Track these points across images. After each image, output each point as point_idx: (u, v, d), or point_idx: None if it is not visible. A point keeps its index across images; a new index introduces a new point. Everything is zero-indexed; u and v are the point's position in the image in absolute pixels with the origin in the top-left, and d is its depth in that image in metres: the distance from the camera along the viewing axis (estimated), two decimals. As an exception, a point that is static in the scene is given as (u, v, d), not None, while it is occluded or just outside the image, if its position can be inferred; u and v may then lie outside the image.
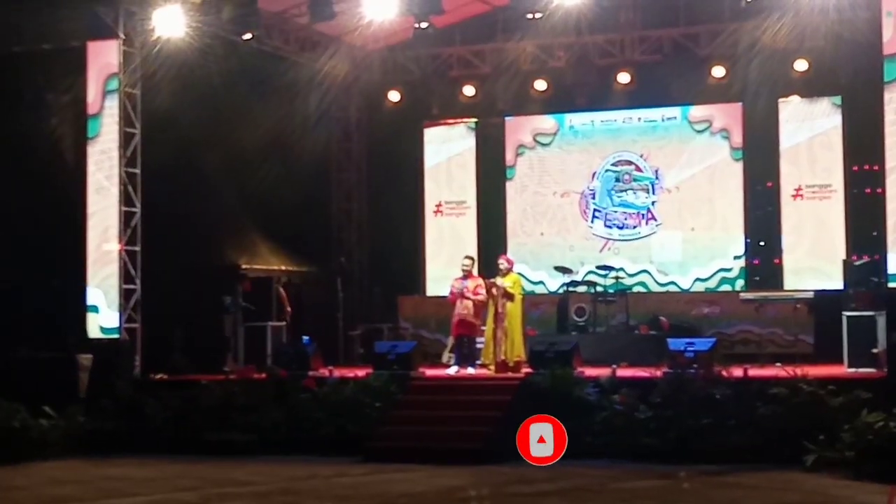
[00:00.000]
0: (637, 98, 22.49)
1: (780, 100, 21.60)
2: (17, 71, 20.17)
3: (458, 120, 23.82)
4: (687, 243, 22.24)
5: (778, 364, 17.30)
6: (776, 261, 21.70)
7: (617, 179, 22.75)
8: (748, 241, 21.92)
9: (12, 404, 16.70)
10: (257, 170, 22.04)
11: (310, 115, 22.81)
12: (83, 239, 18.99)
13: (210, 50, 19.53)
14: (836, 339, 17.24)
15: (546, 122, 23.28)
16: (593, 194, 22.87)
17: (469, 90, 23.40)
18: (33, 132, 20.35)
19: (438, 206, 23.82)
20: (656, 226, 22.46)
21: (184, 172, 20.68)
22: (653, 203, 22.50)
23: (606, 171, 22.80)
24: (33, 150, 20.21)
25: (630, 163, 22.68)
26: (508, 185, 23.46)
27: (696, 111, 22.35)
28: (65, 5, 18.76)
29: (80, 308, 18.86)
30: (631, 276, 22.15)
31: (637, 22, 22.26)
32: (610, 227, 22.73)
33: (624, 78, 22.17)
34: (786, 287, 21.14)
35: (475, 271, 18.69)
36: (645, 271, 22.35)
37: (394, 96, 23.81)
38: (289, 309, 20.40)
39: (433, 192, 23.88)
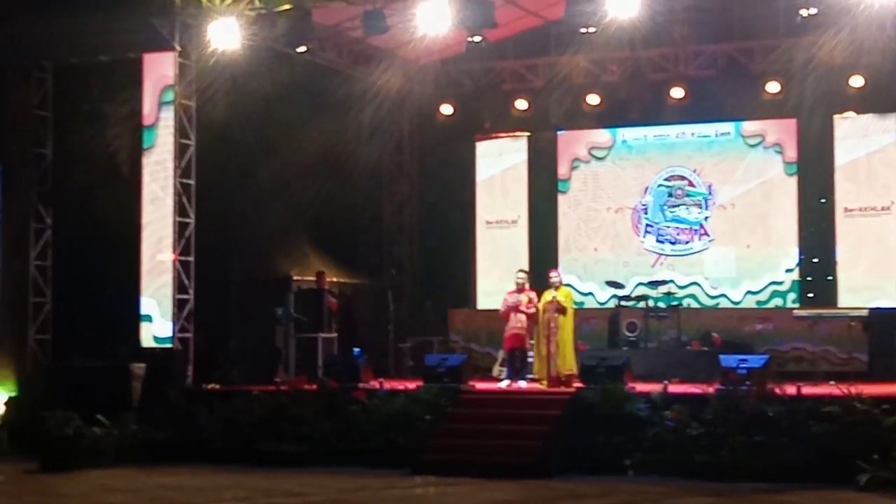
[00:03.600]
0: (690, 113, 22.36)
1: (836, 116, 21.45)
2: (75, 82, 20.41)
3: (511, 133, 23.82)
4: (741, 260, 22.10)
5: (831, 382, 17.09)
6: (829, 277, 21.51)
7: (669, 195, 22.65)
8: (802, 256, 21.75)
9: (66, 412, 16.80)
10: (310, 182, 22.12)
11: (363, 129, 22.83)
12: (137, 249, 19.16)
13: (264, 63, 19.64)
14: (890, 357, 17.08)
15: (601, 135, 23.23)
16: (645, 209, 22.79)
17: (521, 104, 23.38)
18: (90, 142, 20.55)
19: (490, 219, 23.83)
20: (709, 241, 22.34)
21: (237, 184, 20.85)
22: (706, 219, 22.39)
23: (659, 186, 22.72)
24: (90, 160, 20.41)
25: (683, 178, 22.58)
26: (561, 198, 23.42)
27: (749, 126, 22.22)
28: (122, 17, 18.91)
29: (133, 317, 19.02)
30: (681, 287, 22.03)
31: (691, 37, 22.13)
32: (662, 242, 22.63)
33: (677, 93, 22.08)
34: (839, 304, 20.95)
35: (527, 285, 18.65)
36: (695, 283, 22.23)
37: (446, 109, 23.83)
38: (334, 326, 20.37)
39: (485, 205, 23.90)
